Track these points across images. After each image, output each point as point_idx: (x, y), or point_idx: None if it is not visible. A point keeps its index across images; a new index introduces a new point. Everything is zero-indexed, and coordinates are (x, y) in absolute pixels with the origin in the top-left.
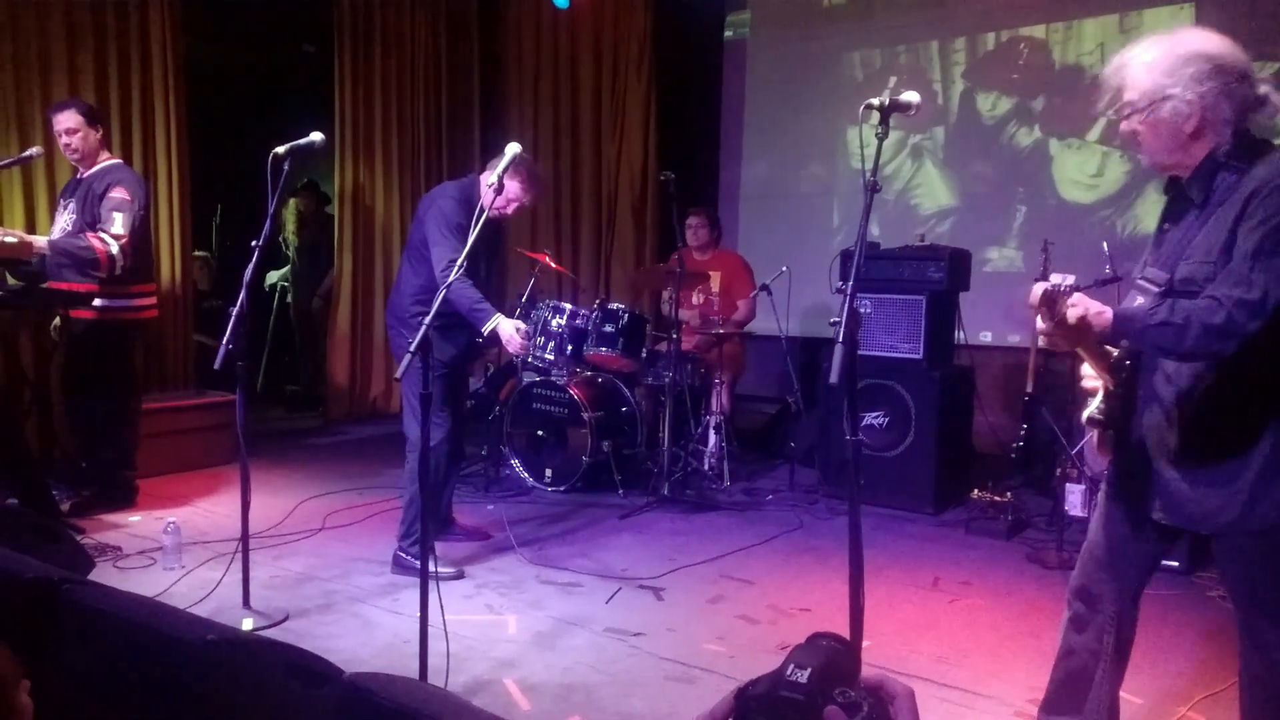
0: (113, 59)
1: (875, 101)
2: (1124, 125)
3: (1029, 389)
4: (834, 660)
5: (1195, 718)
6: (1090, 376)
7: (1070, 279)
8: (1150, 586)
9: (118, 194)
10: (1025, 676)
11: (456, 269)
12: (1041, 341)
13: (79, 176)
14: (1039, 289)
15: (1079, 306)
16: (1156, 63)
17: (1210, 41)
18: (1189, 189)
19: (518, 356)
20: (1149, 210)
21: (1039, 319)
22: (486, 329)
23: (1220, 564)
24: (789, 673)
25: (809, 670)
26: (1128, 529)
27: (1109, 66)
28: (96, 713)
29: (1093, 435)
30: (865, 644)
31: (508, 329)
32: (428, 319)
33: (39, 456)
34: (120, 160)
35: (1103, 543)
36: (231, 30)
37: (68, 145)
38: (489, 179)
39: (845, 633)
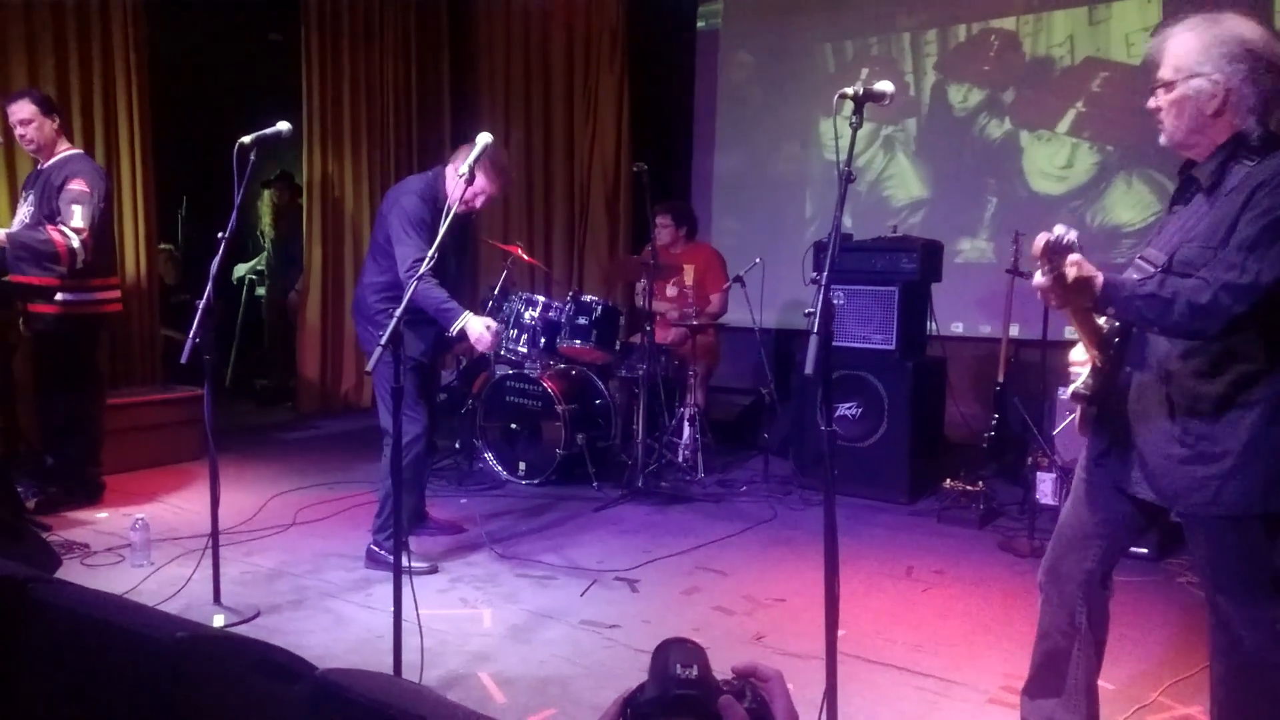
0: (73, 48)
1: (849, 91)
2: (1150, 101)
3: (1000, 379)
4: (705, 658)
5: (1166, 703)
6: (1076, 363)
7: (1073, 233)
8: (1120, 573)
9: (76, 186)
10: (999, 663)
11: (426, 263)
12: (1038, 296)
13: (39, 168)
14: (1043, 238)
15: (1078, 266)
16: (1191, 41)
17: (1250, 28)
18: (1200, 172)
19: (489, 353)
20: (1118, 201)
21: (1037, 272)
22: (455, 328)
23: (1190, 543)
24: (678, 671)
25: (695, 667)
26: (1099, 508)
27: (1150, 43)
28: (65, 713)
29: (1075, 414)
30: (840, 633)
31: (477, 327)
32: (398, 312)
33: (3, 454)
34: (80, 151)
35: (1073, 522)
36: (195, 18)
37: (23, 136)
38: (460, 169)
39: (822, 621)
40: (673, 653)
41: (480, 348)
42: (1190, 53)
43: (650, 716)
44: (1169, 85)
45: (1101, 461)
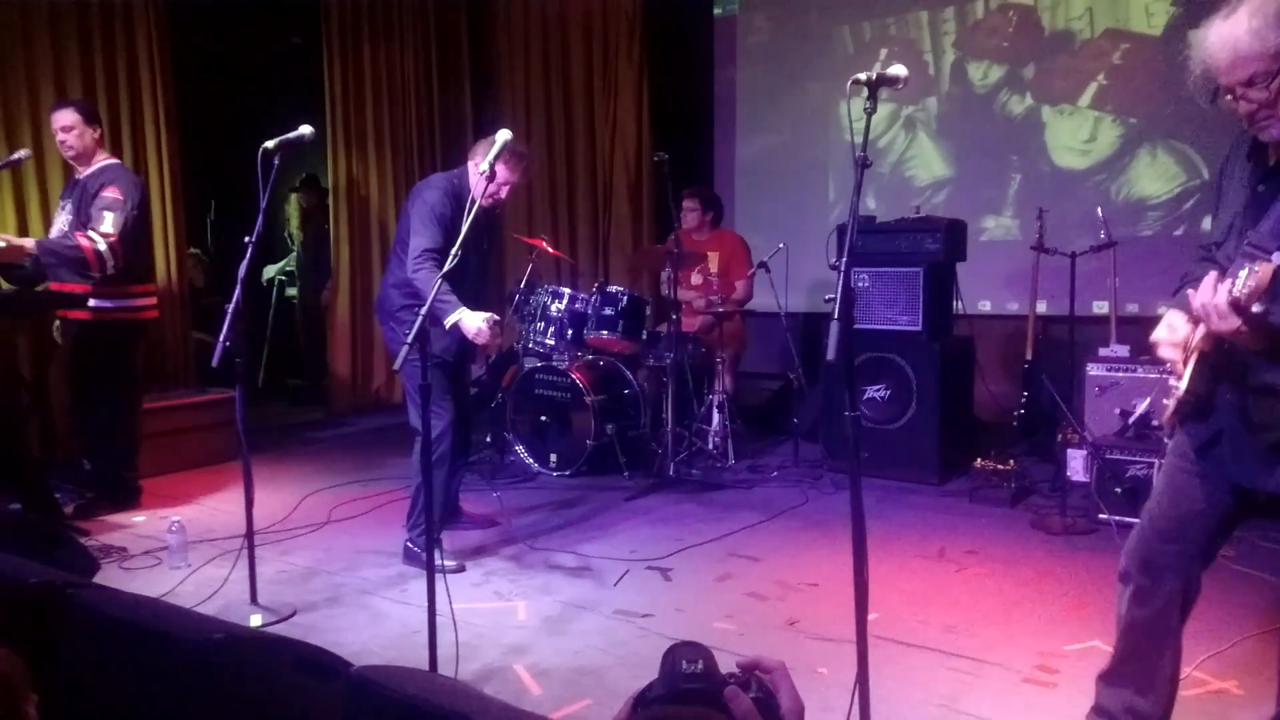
0: (99, 57)
1: (862, 77)
2: (1244, 104)
3: (1029, 356)
4: (711, 656)
5: (1201, 677)
6: (1170, 343)
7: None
8: None
9: (110, 193)
10: (1033, 642)
11: (451, 260)
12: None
13: (77, 178)
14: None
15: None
16: (1263, 25)
17: None
18: None
19: (489, 354)
20: (1143, 173)
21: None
22: (449, 322)
23: None
24: (684, 667)
25: (700, 661)
26: (1202, 499)
27: (1203, 46)
28: (105, 716)
29: (1170, 406)
30: (872, 616)
31: (472, 323)
32: (424, 309)
33: (40, 460)
34: (117, 161)
35: (1171, 515)
36: (217, 24)
37: (63, 142)
38: (480, 166)
39: (852, 606)
40: (679, 652)
41: (479, 342)
42: (1268, 30)
43: (660, 713)
44: (1267, 75)
45: (1207, 452)
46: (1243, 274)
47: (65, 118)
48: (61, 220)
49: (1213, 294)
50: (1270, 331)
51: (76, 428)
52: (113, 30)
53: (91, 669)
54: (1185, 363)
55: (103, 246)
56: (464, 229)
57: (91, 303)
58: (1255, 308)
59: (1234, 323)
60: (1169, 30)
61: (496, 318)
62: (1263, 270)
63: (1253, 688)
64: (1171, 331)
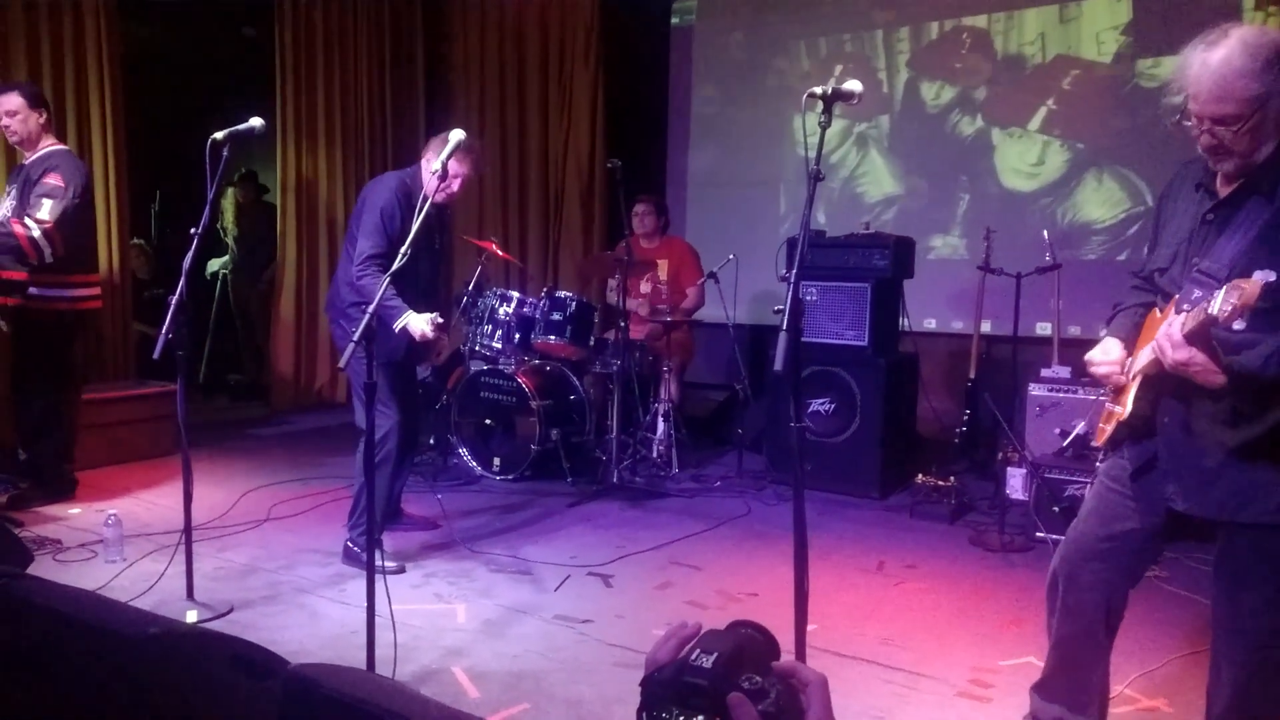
0: (45, 43)
1: (818, 90)
2: (1209, 138)
3: (972, 374)
4: (744, 647)
5: (1132, 695)
6: (1105, 362)
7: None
8: None
9: (51, 180)
10: (968, 657)
11: (400, 258)
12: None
13: (22, 164)
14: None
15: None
16: (1250, 69)
17: (1266, 31)
18: (1259, 182)
19: (439, 354)
20: (1089, 198)
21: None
22: (398, 326)
23: (1235, 553)
24: (694, 658)
25: (714, 656)
26: (1135, 521)
27: (1185, 69)
28: (36, 710)
29: (1109, 429)
30: (811, 628)
31: (417, 325)
32: (370, 308)
33: None
34: (64, 147)
35: (1099, 535)
36: (168, 13)
37: (7, 127)
38: (432, 165)
39: (791, 617)
40: (707, 637)
41: (423, 341)
42: (1254, 81)
43: (658, 700)
44: (1244, 119)
45: (1141, 476)
46: (1220, 293)
47: (10, 101)
48: (5, 207)
49: (1168, 328)
50: (1231, 374)
51: (13, 417)
52: (60, 15)
53: (23, 661)
54: (1127, 388)
55: (36, 233)
56: (415, 227)
57: (32, 291)
58: (1237, 324)
59: (1185, 353)
60: (1118, 59)
61: (440, 319)
62: (1250, 287)
63: (1182, 706)
64: (1105, 353)
